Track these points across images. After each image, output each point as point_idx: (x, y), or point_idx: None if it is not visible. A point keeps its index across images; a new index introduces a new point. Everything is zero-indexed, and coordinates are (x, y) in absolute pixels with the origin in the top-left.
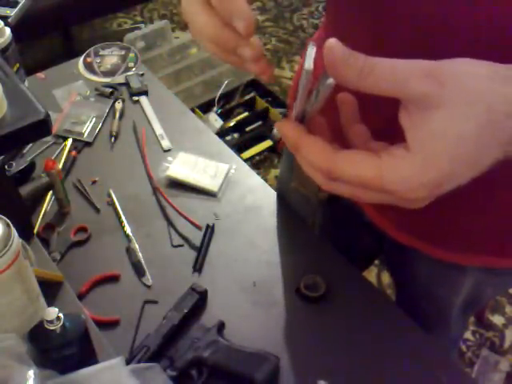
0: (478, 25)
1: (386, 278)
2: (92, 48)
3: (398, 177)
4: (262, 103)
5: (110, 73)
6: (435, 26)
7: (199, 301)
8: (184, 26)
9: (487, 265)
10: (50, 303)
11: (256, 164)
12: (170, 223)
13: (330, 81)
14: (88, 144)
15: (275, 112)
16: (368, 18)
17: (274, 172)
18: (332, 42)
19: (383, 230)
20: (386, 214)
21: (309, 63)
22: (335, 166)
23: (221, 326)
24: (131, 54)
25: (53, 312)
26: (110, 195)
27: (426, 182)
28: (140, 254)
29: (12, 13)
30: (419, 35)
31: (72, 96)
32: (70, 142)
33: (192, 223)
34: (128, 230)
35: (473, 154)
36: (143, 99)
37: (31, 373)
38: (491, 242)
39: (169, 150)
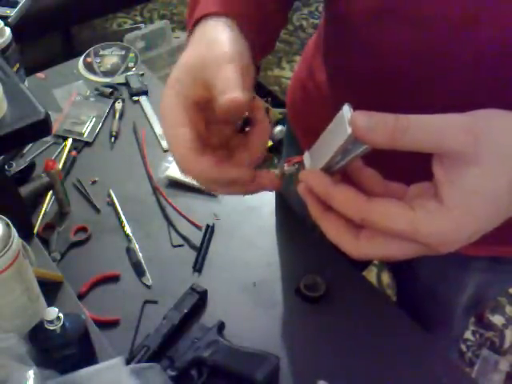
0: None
1: (386, 277)
2: (92, 48)
3: (433, 231)
4: None
5: (110, 73)
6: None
7: (199, 301)
8: (184, 26)
9: (496, 254)
10: (50, 303)
11: None
12: (170, 223)
13: (366, 146)
14: (88, 144)
15: (275, 112)
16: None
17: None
18: (356, 114)
19: None
20: None
21: (349, 127)
22: (369, 217)
23: (221, 326)
24: (131, 54)
25: (53, 312)
26: (110, 195)
27: (462, 237)
28: (140, 254)
29: (12, 13)
30: (421, 39)
31: (72, 96)
32: (69, 141)
33: (192, 223)
34: (128, 230)
35: (503, 209)
36: (143, 99)
37: (31, 373)
38: (498, 230)
39: (169, 150)
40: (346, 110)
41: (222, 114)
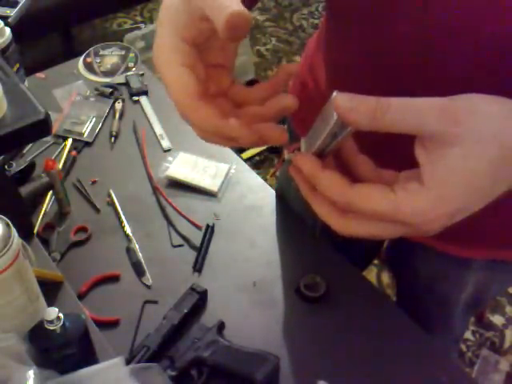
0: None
1: (386, 278)
2: (92, 48)
3: (413, 211)
4: None
5: (110, 73)
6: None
7: (199, 301)
8: None
9: (495, 257)
10: (50, 303)
11: (256, 164)
12: (170, 223)
13: (349, 128)
14: (88, 144)
15: None
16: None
17: None
18: (338, 95)
19: None
20: None
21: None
22: (352, 201)
23: (221, 326)
24: (131, 54)
25: (53, 312)
26: (110, 195)
27: (440, 215)
28: (140, 254)
29: (12, 13)
30: (418, 35)
31: (72, 96)
32: (69, 142)
33: (192, 223)
34: (128, 230)
35: (485, 189)
36: (143, 99)
37: (31, 373)
38: (498, 234)
39: (169, 150)
40: (334, 97)
41: (226, 33)
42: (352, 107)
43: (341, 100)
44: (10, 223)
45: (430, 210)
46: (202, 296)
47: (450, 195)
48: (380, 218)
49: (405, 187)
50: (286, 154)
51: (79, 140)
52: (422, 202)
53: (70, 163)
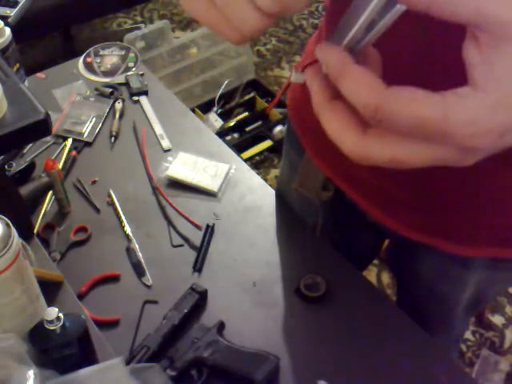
0: None
1: (386, 278)
2: (92, 48)
3: (466, 118)
4: (261, 103)
5: (110, 73)
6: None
7: (199, 301)
8: (184, 26)
9: (496, 255)
10: (50, 303)
11: (256, 164)
12: (170, 223)
13: (399, 7)
14: (88, 144)
15: (275, 112)
16: None
17: (274, 172)
18: None
19: (392, 229)
20: (395, 215)
21: None
22: (386, 102)
23: (221, 326)
24: (131, 54)
25: (53, 312)
26: (110, 195)
27: (496, 127)
28: (140, 254)
29: (12, 13)
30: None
31: (72, 96)
32: (70, 142)
33: (192, 223)
34: (128, 230)
35: None
36: (143, 99)
37: (31, 373)
38: (499, 231)
39: (169, 150)
40: None
41: None
42: None
43: None
44: (10, 223)
45: (484, 118)
46: (202, 296)
47: (509, 101)
48: (421, 127)
49: (455, 91)
50: (294, 74)
51: (79, 140)
52: (478, 108)
53: (70, 163)
